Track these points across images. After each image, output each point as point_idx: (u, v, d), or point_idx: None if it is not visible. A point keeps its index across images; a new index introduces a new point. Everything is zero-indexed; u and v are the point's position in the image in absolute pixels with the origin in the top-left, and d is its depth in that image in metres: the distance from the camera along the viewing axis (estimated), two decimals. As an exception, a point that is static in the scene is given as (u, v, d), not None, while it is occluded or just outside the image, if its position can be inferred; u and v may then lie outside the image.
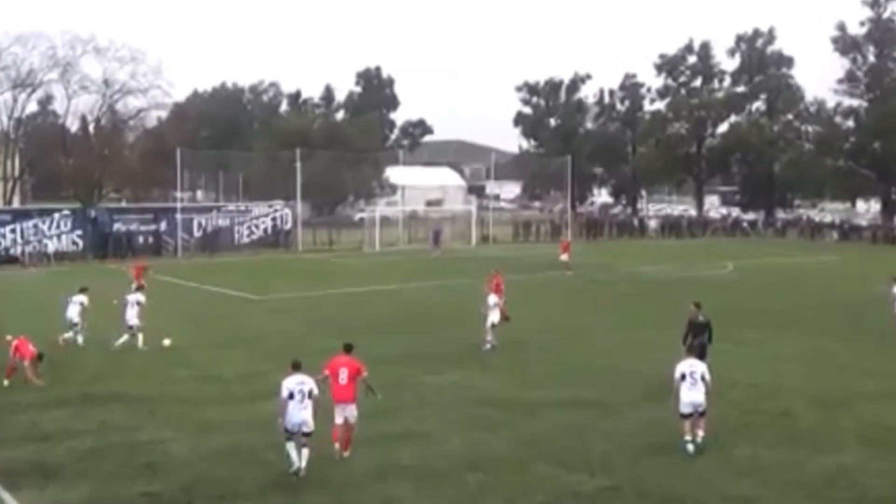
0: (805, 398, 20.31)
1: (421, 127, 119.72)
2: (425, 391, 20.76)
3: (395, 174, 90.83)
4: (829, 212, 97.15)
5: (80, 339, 25.38)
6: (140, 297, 25.87)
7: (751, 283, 43.69)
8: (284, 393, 15.18)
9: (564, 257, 46.14)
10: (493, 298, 27.43)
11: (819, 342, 27.37)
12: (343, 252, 60.39)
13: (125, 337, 25.31)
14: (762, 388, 21.19)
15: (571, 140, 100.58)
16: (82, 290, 26.21)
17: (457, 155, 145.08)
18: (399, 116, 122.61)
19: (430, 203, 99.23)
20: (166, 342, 25.61)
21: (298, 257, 57.19)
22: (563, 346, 26.59)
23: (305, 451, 15.08)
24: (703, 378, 16.63)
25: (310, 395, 15.20)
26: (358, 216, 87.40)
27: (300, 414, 15.07)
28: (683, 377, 16.64)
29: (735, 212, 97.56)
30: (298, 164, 64.90)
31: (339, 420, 16.06)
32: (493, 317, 25.93)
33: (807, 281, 43.41)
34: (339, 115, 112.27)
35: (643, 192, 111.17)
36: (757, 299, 37.15)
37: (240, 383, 21.38)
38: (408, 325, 29.99)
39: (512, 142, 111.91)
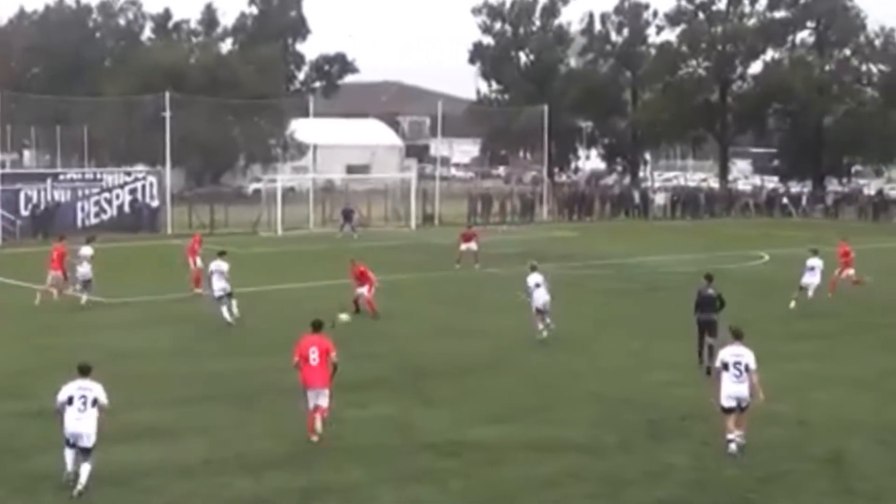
0: (866, 437, 20.61)
1: (340, 63, 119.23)
2: (347, 431, 20.71)
3: (303, 129, 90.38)
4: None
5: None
6: (224, 265, 32.96)
7: (795, 279, 44.16)
8: (62, 397, 17.27)
9: (468, 246, 46.77)
10: (363, 290, 33.11)
11: (891, 360, 27.84)
12: (231, 237, 59.94)
13: (225, 306, 32.37)
14: (810, 424, 21.51)
15: (548, 83, 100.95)
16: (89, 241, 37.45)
17: (391, 103, 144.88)
18: (310, 49, 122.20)
19: (352, 169, 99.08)
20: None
21: (168, 244, 56.71)
22: (534, 366, 26.71)
23: (86, 468, 16.89)
24: (747, 369, 19.14)
25: (94, 403, 17.25)
26: (252, 187, 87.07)
27: (78, 424, 17.08)
28: (726, 366, 19.27)
29: (772, 182, 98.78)
30: (168, 115, 64.36)
31: (312, 405, 19.63)
32: (537, 300, 29.83)
33: (871, 276, 43.96)
34: (226, 45, 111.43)
35: (647, 156, 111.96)
36: (806, 301, 37.52)
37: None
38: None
39: (467, 85, 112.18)
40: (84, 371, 17.63)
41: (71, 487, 16.74)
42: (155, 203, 62.98)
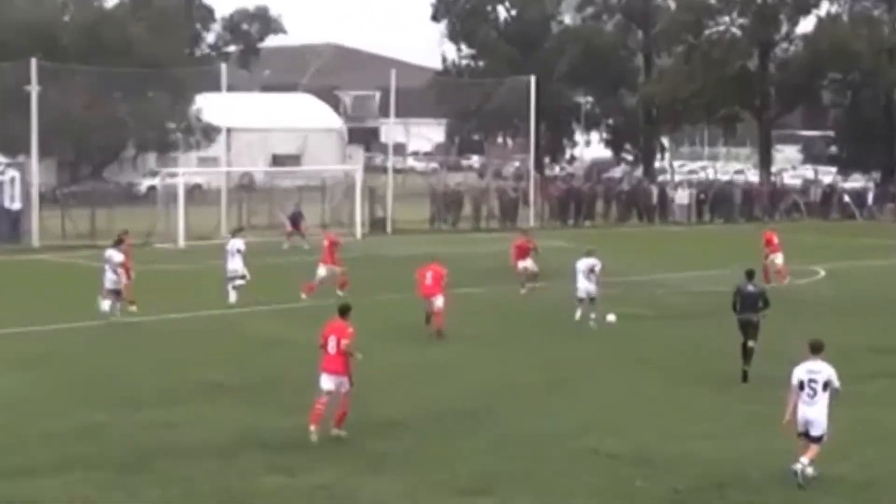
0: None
1: (262, 22, 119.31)
2: (270, 505, 20.58)
3: (213, 107, 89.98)
4: None
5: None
6: (241, 243, 43.08)
7: (860, 300, 44.24)
8: None
9: (524, 265, 45.97)
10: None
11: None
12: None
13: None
14: (879, 488, 21.61)
15: (536, 47, 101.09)
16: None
17: (329, 72, 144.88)
18: (221, 4, 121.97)
19: (278, 160, 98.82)
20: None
21: (34, 260, 56.46)
22: (518, 417, 26.60)
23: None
24: (825, 387, 21.25)
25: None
26: (146, 185, 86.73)
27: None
28: (802, 386, 21.42)
29: (828, 175, 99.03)
30: (35, 89, 63.99)
31: (325, 388, 24.06)
32: (579, 289, 38.18)
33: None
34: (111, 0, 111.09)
35: (664, 142, 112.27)
36: (872, 330, 37.64)
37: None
38: (237, 383, 29.81)
39: (428, 49, 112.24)
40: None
41: None
42: (16, 205, 62.52)
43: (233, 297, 42.05)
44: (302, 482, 21.77)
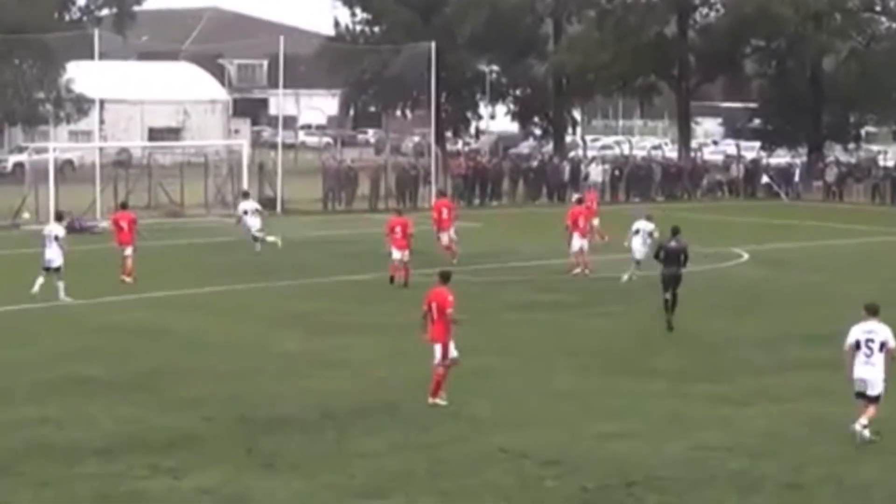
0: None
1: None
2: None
3: (85, 76, 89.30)
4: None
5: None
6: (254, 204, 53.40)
7: (786, 285, 44.64)
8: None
9: (446, 238, 46.88)
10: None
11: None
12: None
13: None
14: (810, 485, 21.75)
15: (436, 11, 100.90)
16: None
17: (212, 39, 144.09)
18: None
19: (156, 134, 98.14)
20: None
21: None
22: (418, 412, 26.65)
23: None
24: (881, 347, 23.52)
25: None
26: (11, 161, 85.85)
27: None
28: (858, 345, 23.72)
29: (751, 151, 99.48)
30: None
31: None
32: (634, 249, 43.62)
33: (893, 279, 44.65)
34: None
35: (575, 115, 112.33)
36: (798, 317, 37.97)
37: None
38: (116, 377, 29.69)
39: (320, 14, 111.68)
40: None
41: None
42: None
43: (270, 238, 50.70)
44: (187, 485, 21.70)
